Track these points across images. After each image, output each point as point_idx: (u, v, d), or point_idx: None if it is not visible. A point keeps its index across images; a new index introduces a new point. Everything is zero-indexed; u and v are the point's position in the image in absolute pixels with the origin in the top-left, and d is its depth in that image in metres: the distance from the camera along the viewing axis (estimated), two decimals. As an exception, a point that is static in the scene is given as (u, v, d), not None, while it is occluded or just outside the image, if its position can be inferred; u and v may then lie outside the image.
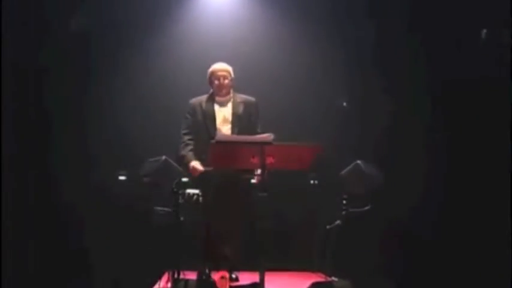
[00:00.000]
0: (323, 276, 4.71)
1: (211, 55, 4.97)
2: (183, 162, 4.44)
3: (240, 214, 4.37)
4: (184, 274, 4.30)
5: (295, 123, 5.50)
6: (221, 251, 4.37)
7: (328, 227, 4.65)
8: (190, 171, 4.43)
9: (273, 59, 5.72)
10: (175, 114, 4.97)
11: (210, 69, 4.53)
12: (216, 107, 4.50)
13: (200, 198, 4.51)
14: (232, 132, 4.41)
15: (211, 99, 4.54)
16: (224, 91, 4.47)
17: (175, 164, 4.41)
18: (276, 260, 4.26)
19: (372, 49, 5.61)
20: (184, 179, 4.53)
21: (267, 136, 3.71)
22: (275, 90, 5.56)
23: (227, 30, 5.69)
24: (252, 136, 4.08)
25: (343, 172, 4.60)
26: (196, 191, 4.53)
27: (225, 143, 3.73)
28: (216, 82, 4.47)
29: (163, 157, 4.38)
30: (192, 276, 4.35)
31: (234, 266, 4.47)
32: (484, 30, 5.21)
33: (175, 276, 4.22)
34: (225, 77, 4.45)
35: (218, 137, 3.88)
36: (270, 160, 3.61)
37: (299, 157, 3.71)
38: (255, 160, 3.62)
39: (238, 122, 4.49)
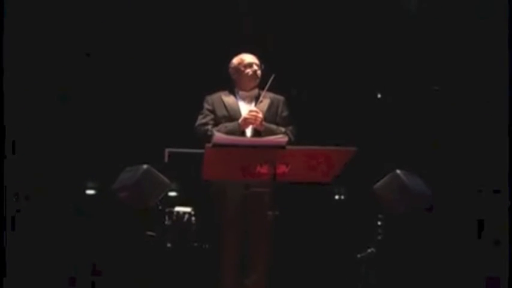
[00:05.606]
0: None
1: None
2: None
3: (264, 236, 3.97)
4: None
5: (316, 121, 5.18)
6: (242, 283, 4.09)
7: (358, 255, 4.36)
8: (245, 125, 3.98)
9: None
10: (160, 114, 4.96)
11: (237, 58, 4.25)
12: (240, 102, 4.24)
13: (193, 218, 4.27)
14: (255, 134, 4.09)
15: (233, 94, 4.30)
16: (253, 83, 4.19)
17: (160, 175, 4.03)
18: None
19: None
20: (172, 193, 4.30)
21: (279, 138, 3.32)
22: (292, 82, 5.21)
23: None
24: (259, 138, 3.69)
25: (377, 185, 4.10)
26: (188, 209, 4.37)
27: (225, 147, 3.25)
28: (248, 71, 4.17)
29: (145, 166, 3.97)
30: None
31: None
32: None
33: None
34: (258, 67, 4.21)
35: (216, 139, 3.36)
36: (282, 169, 3.23)
37: (322, 165, 3.25)
38: (263, 169, 3.24)
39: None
